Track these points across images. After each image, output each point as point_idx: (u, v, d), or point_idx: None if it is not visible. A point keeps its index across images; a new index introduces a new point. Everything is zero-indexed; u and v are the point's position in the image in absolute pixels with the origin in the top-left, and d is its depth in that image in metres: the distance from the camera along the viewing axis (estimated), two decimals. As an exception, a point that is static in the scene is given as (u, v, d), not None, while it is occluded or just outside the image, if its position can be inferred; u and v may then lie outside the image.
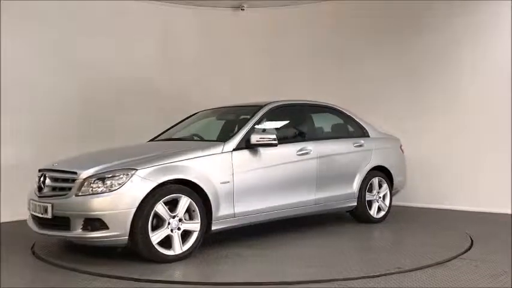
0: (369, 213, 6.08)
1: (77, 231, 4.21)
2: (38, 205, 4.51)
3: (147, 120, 7.74)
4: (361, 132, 6.31)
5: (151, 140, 6.00)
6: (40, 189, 4.62)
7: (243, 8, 8.57)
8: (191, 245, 4.46)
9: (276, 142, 4.97)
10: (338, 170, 5.78)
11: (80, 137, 7.22)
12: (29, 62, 7.04)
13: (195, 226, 4.48)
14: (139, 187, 4.22)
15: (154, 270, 4.11)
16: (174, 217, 4.38)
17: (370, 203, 6.12)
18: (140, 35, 8.11)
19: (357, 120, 6.36)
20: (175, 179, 4.43)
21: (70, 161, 4.92)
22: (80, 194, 4.24)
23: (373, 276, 3.88)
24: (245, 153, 4.98)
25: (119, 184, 4.21)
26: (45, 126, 7.09)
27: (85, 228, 4.19)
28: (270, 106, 5.55)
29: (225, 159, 4.80)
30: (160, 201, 4.30)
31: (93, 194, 4.20)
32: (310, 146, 5.53)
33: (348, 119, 6.32)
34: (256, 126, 5.27)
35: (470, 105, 7.18)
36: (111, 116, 7.63)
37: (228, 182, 4.74)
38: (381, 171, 6.24)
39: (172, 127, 6.22)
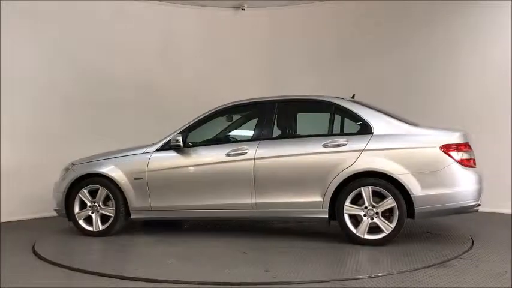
0: (351, 231, 4.86)
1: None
2: None
3: (147, 119, 7.75)
4: (361, 127, 5.10)
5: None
6: None
7: (243, 8, 8.57)
8: (107, 225, 5.46)
9: (179, 144, 5.29)
10: (290, 173, 5.04)
11: (80, 137, 7.23)
12: (29, 62, 7.05)
13: (110, 212, 5.45)
14: (69, 177, 5.56)
15: (155, 270, 4.11)
16: (94, 202, 5.46)
17: (355, 218, 4.90)
18: (141, 35, 8.11)
19: (356, 112, 5.14)
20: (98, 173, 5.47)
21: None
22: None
23: (373, 277, 3.88)
24: (168, 154, 5.43)
25: (64, 174, 5.68)
26: (45, 126, 7.10)
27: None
28: (215, 110, 5.56)
29: (143, 159, 5.47)
30: (82, 189, 5.49)
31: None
32: (248, 147, 5.18)
33: (336, 112, 5.26)
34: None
35: (470, 105, 7.17)
36: (112, 115, 7.64)
37: (141, 178, 5.40)
38: (387, 179, 4.80)
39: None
